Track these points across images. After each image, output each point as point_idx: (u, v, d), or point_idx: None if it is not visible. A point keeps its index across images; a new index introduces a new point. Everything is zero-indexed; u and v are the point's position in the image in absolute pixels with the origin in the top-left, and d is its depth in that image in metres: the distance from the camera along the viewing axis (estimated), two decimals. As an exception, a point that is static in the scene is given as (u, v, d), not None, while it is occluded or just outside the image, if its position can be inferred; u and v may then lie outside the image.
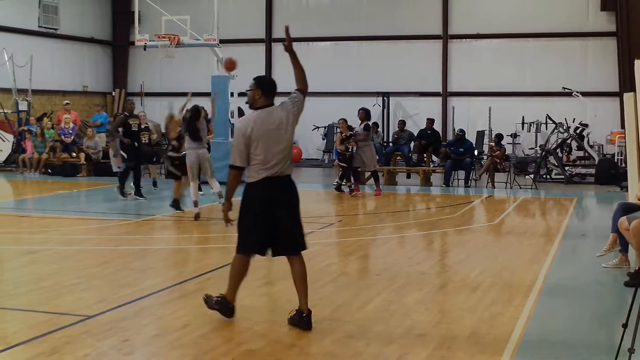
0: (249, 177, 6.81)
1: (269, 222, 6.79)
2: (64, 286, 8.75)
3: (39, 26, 28.34)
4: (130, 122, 16.66)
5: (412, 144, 22.32)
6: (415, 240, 12.56)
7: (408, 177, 22.20)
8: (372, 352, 6.34)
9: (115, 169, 18.03)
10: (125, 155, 16.40)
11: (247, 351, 6.29)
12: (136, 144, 16.59)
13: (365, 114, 18.17)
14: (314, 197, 17.40)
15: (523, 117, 25.19)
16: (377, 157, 19.43)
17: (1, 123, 25.28)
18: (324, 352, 6.33)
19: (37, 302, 7.97)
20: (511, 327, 7.01)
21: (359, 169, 18.29)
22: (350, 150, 17.76)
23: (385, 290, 8.48)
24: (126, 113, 16.80)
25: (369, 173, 19.05)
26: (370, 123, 18.40)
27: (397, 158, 22.39)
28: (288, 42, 7.09)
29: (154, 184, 18.78)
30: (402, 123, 23.57)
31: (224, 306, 7.09)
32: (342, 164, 18.18)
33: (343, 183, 17.99)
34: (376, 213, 15.87)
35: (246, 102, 7.21)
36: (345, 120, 18.09)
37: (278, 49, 29.61)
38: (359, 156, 17.84)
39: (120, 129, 16.58)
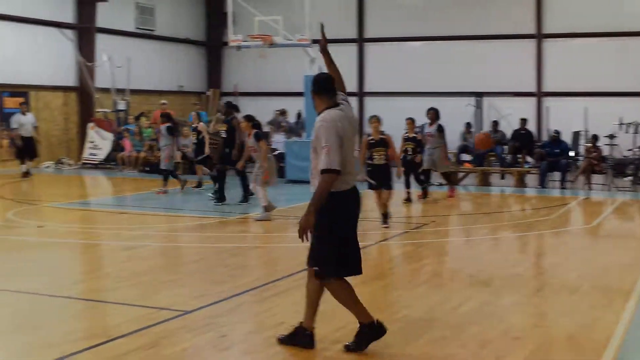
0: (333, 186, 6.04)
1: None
2: (162, 281, 8.97)
3: (136, 28, 29.09)
4: (219, 128, 16.87)
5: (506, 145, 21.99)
6: (510, 242, 12.38)
7: (502, 177, 21.88)
8: (467, 354, 6.28)
9: (163, 166, 18.15)
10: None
11: (341, 349, 6.30)
12: (227, 150, 16.46)
13: (435, 114, 17.45)
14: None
15: (621, 117, 24.50)
16: (450, 158, 18.61)
17: (101, 122, 26.06)
18: (419, 352, 6.29)
19: (136, 297, 8.18)
20: (611, 332, 6.84)
21: (430, 170, 17.44)
22: (409, 153, 16.26)
23: (480, 292, 8.38)
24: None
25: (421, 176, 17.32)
26: (441, 123, 17.51)
27: (491, 159, 22.09)
28: (323, 42, 6.66)
29: (199, 184, 18.76)
30: (496, 123, 23.19)
31: (369, 333, 6.29)
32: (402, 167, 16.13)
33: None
34: (470, 214, 15.71)
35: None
36: (412, 120, 16.74)
37: (370, 49, 29.66)
38: (430, 158, 17.18)
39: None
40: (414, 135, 16.50)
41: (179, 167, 22.83)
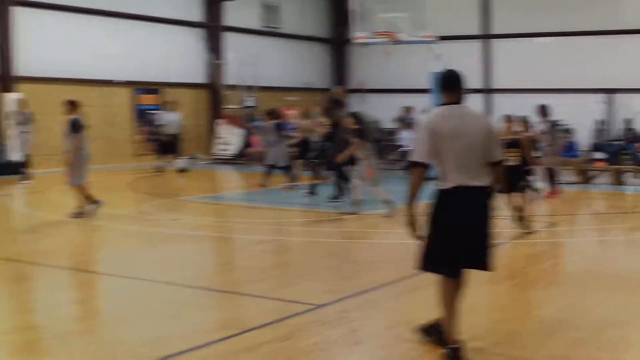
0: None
1: None
2: (293, 275, 9.14)
3: (262, 26, 29.63)
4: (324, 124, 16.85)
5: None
6: (646, 243, 11.94)
7: (636, 176, 21.09)
8: (608, 357, 6.10)
9: (281, 163, 18.21)
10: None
11: (475, 348, 6.22)
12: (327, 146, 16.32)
13: (544, 110, 16.94)
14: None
15: None
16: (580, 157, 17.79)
17: (232, 118, 26.69)
18: (556, 354, 6.14)
19: (268, 290, 8.34)
20: None
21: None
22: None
23: (616, 293, 8.11)
24: None
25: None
26: (551, 119, 16.97)
27: (624, 157, 21.31)
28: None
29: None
30: (628, 121, 22.41)
31: (439, 335, 6.25)
32: None
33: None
34: (602, 213, 15.25)
35: None
36: (510, 118, 16.13)
37: (497, 45, 29.17)
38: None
39: None
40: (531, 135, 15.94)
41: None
